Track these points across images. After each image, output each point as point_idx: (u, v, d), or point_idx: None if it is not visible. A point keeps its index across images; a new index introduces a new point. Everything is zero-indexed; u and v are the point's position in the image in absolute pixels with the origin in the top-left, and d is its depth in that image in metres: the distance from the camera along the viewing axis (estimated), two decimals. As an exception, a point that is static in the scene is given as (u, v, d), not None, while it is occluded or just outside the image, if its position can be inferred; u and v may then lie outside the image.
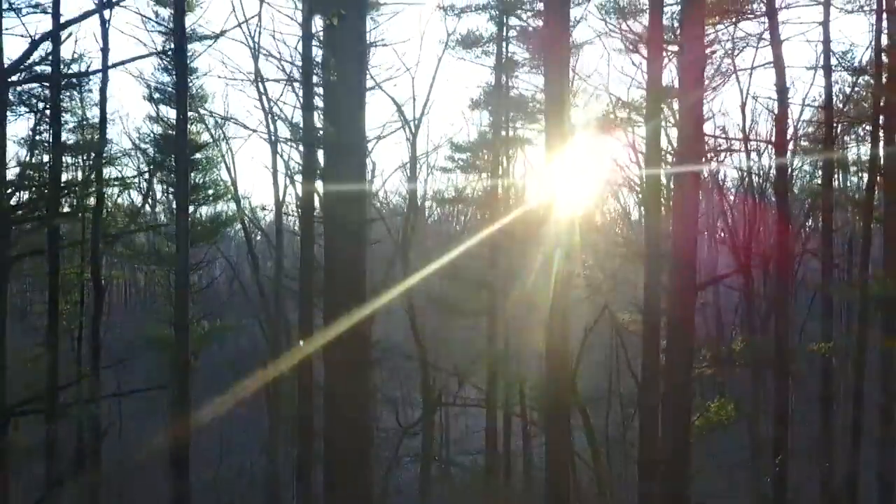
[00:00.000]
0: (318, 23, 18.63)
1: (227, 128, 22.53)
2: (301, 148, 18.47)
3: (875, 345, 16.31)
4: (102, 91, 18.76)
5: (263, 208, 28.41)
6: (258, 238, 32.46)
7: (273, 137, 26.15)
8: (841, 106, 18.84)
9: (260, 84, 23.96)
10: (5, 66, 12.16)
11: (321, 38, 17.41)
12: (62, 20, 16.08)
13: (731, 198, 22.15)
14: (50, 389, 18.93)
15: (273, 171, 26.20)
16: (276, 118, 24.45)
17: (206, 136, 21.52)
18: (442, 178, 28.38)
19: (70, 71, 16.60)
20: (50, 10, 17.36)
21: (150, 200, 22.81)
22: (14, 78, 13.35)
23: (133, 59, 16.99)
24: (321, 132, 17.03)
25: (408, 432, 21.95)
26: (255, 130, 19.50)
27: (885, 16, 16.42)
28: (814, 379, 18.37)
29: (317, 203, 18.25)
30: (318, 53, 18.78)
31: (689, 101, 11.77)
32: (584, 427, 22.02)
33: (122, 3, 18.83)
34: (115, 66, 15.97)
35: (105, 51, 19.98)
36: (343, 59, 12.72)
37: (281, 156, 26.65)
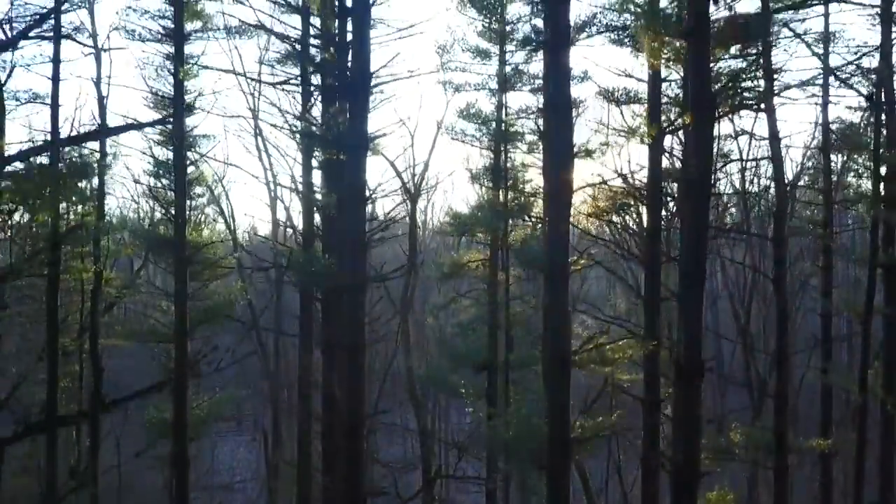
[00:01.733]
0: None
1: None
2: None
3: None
4: (101, 180, 18.83)
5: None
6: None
7: (273, 193, 26.30)
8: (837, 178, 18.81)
9: (259, 135, 24.21)
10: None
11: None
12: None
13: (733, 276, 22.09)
14: (49, 464, 19.09)
15: (273, 219, 26.36)
16: (275, 171, 24.71)
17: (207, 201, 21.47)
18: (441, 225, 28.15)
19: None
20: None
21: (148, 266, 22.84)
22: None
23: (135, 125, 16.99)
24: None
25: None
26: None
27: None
28: (814, 467, 18.31)
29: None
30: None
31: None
32: (585, 494, 22.09)
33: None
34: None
35: (103, 122, 20.14)
36: (343, 198, 12.70)
37: (281, 200, 26.71)
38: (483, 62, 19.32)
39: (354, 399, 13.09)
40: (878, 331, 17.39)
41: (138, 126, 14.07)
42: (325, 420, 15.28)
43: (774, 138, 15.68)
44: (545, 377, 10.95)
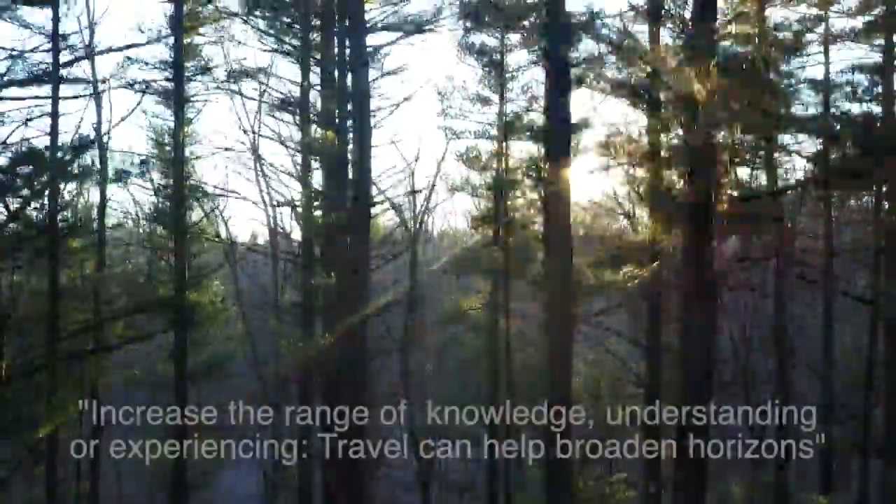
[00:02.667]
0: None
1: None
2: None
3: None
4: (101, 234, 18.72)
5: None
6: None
7: (272, 222, 26.17)
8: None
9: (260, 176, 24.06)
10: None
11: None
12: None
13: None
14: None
15: (273, 268, 26.19)
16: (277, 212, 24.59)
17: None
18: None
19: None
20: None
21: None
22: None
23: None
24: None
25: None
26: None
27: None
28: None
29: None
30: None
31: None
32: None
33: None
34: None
35: (103, 168, 20.01)
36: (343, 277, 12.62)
37: (282, 227, 26.45)
38: (483, 109, 19.28)
39: (355, 488, 13.11)
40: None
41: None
42: (324, 479, 15.28)
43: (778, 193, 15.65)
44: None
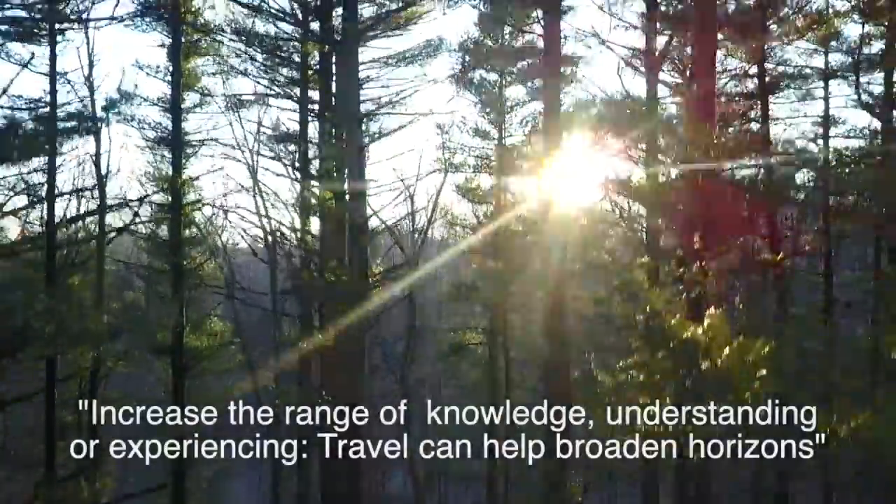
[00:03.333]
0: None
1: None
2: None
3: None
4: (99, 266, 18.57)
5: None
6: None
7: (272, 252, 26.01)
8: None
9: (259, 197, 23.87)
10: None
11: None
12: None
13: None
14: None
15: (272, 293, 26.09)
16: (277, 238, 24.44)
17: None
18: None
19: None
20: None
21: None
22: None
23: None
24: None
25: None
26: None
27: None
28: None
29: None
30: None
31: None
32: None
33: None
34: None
35: (102, 201, 19.86)
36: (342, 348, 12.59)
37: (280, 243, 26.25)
38: (482, 143, 19.28)
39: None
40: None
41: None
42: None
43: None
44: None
